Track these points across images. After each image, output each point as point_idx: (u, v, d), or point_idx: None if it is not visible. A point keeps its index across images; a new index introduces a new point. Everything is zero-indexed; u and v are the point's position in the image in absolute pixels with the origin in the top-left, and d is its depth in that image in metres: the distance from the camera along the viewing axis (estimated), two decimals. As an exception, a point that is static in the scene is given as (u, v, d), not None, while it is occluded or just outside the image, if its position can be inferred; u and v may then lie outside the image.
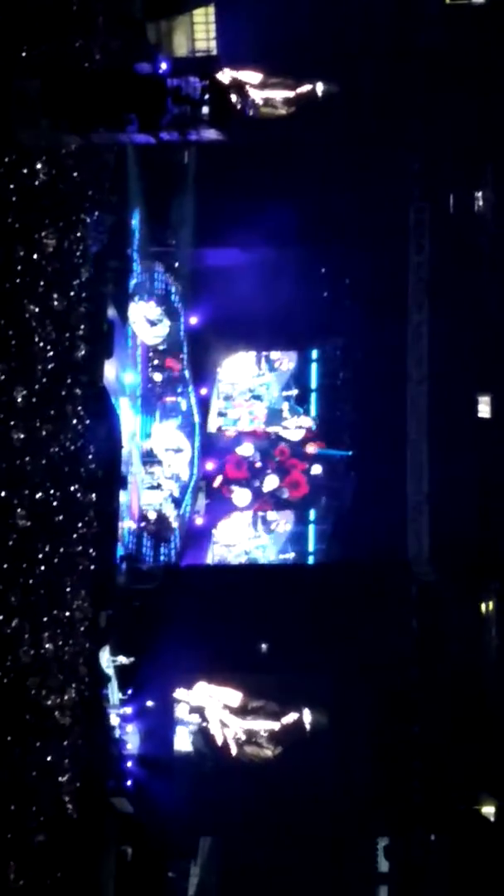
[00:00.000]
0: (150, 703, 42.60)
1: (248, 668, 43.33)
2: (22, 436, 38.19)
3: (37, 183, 38.61)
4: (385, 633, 42.38)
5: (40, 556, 39.10)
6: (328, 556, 47.90)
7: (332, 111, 46.18)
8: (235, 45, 46.69)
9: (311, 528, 48.83)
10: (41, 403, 39.13)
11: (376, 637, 42.28)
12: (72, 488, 40.71)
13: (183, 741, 43.30)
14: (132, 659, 42.62)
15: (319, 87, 46.48)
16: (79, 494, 41.03)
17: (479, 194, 45.84)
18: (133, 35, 44.08)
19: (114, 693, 42.17)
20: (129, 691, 42.43)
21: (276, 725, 42.92)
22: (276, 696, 43.13)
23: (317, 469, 48.59)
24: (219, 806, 42.71)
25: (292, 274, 46.68)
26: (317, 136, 46.03)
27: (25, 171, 38.04)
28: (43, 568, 39.19)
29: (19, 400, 38.09)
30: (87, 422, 41.36)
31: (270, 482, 48.80)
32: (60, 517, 40.06)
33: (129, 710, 42.29)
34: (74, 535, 40.86)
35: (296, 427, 49.15)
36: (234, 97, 44.43)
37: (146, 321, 47.98)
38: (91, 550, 41.57)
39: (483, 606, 43.62)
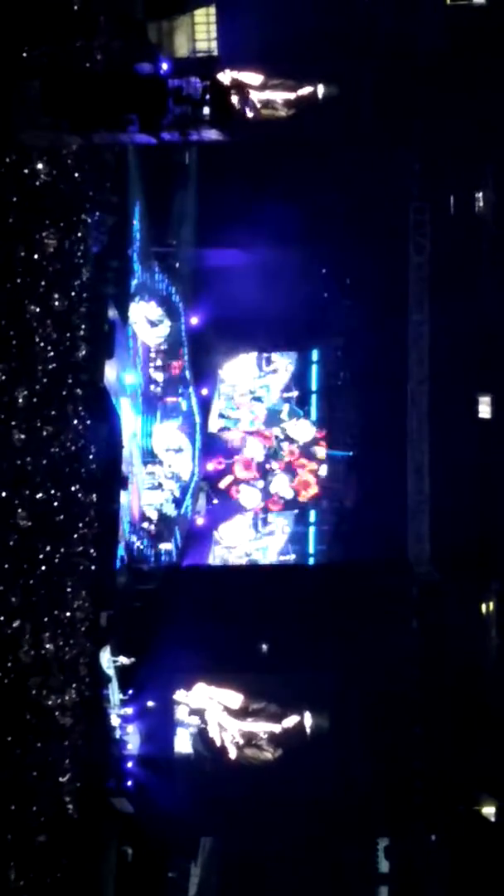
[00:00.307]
0: (150, 704, 42.60)
1: (248, 669, 43.33)
2: (23, 436, 38.17)
3: (38, 183, 38.61)
4: (386, 633, 42.41)
5: (41, 556, 39.07)
6: (329, 556, 47.93)
7: (332, 111, 46.14)
8: (236, 46, 46.67)
9: (312, 529, 48.86)
10: (42, 404, 39.11)
11: (377, 637, 42.31)
12: (72, 488, 40.69)
13: (183, 742, 43.29)
14: (133, 659, 42.61)
15: (320, 90, 46.49)
16: (79, 495, 41.02)
17: (480, 194, 45.84)
18: (134, 35, 44.06)
19: (114, 693, 42.15)
20: (130, 692, 42.42)
21: (276, 728, 42.93)
22: (276, 697, 43.13)
23: (322, 470, 48.68)
24: (219, 806, 42.72)
25: (293, 274, 46.71)
26: (317, 136, 46.01)
27: (26, 171, 38.04)
28: (44, 568, 39.16)
29: (20, 400, 38.08)
30: (88, 422, 41.35)
31: (279, 483, 48.88)
32: (61, 517, 40.04)
33: (129, 710, 42.29)
34: (75, 536, 40.85)
35: (297, 431, 49.28)
36: (234, 98, 44.45)
37: (147, 321, 48.00)
38: (92, 551, 41.56)
39: (484, 606, 43.63)
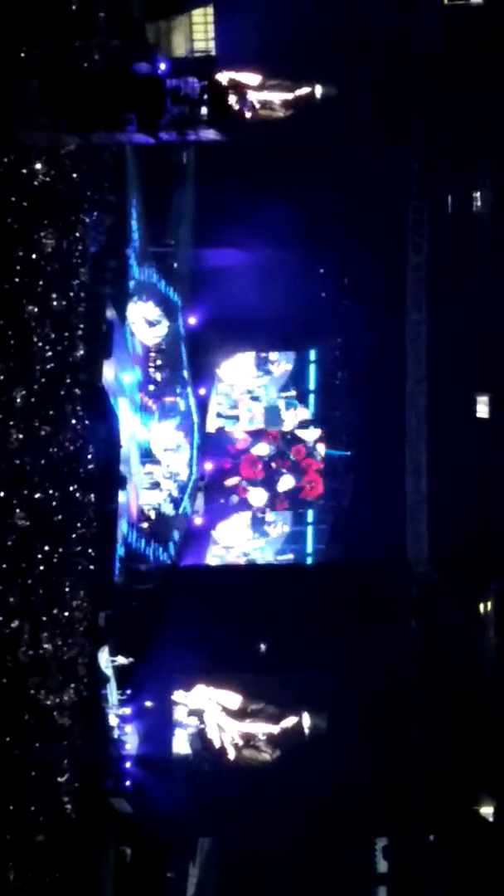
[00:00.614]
0: (148, 704, 42.58)
1: (247, 669, 43.31)
2: (21, 436, 38.19)
3: (36, 183, 38.64)
4: (385, 633, 42.39)
5: (39, 556, 39.10)
6: (328, 556, 47.90)
7: (330, 111, 46.12)
8: (234, 46, 46.61)
9: (310, 529, 48.84)
10: (40, 403, 39.15)
11: (376, 637, 42.29)
12: (71, 488, 40.71)
13: (182, 743, 43.29)
14: (131, 659, 42.59)
15: (318, 90, 46.47)
16: (78, 494, 41.03)
17: (478, 194, 45.82)
18: (132, 35, 44.02)
19: (113, 693, 42.13)
20: (128, 692, 42.39)
21: (275, 728, 42.92)
22: (275, 697, 43.12)
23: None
24: (217, 806, 42.70)
25: (291, 274, 46.68)
26: (315, 136, 45.98)
27: (25, 171, 38.07)
28: (42, 568, 39.19)
29: (18, 400, 38.11)
30: (86, 422, 41.35)
31: (286, 482, 48.92)
32: (59, 517, 40.07)
33: (127, 710, 42.26)
34: (73, 536, 40.85)
35: (296, 421, 49.30)
36: (232, 98, 44.45)
37: (145, 321, 47.97)
38: (90, 551, 41.56)
39: (482, 606, 43.61)
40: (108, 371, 42.67)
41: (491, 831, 42.58)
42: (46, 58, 38.02)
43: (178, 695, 42.98)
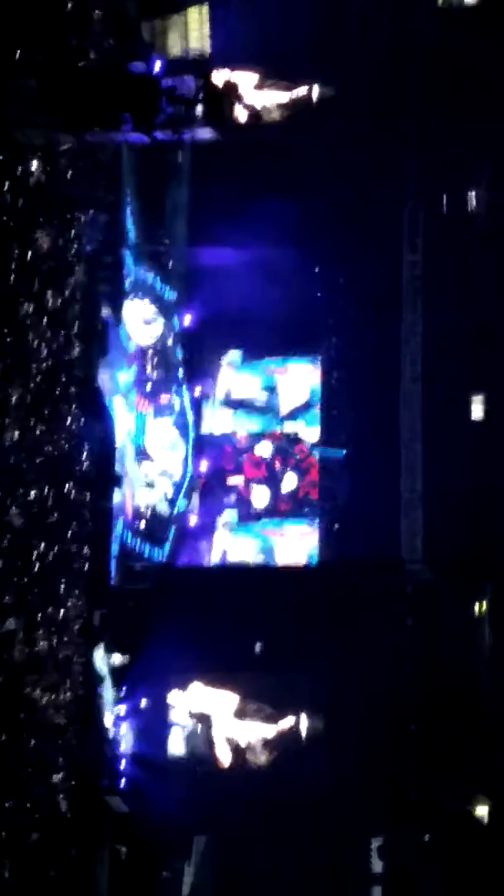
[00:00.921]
0: (144, 703, 42.58)
1: (242, 668, 43.29)
2: (16, 434, 38.22)
3: (31, 182, 38.67)
4: (379, 632, 42.37)
5: (34, 554, 39.12)
6: (322, 555, 47.83)
7: (326, 111, 46.14)
8: (229, 45, 46.58)
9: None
10: (35, 402, 39.20)
11: (371, 636, 42.28)
12: (66, 487, 40.73)
13: (177, 742, 43.27)
14: (126, 658, 42.60)
15: (315, 91, 46.51)
16: (73, 493, 41.07)
17: (473, 194, 45.82)
18: (127, 34, 44.06)
19: (108, 692, 42.14)
20: (124, 690, 42.39)
21: (271, 730, 42.92)
22: (270, 696, 43.11)
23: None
24: (213, 805, 42.67)
25: (287, 273, 46.62)
26: (311, 135, 45.98)
27: (20, 169, 38.10)
28: (37, 567, 39.20)
29: (13, 399, 38.13)
30: (82, 421, 41.39)
31: (289, 482, 48.89)
32: (55, 516, 40.10)
33: (123, 709, 42.26)
34: (69, 534, 40.89)
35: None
36: (228, 98, 44.49)
37: (141, 320, 47.97)
38: (85, 549, 41.60)
39: (478, 605, 43.60)
40: (104, 370, 42.70)
41: (486, 831, 42.54)
42: (42, 56, 38.07)
43: (173, 694, 42.96)
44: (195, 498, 48.10)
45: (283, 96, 46.32)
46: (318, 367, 48.47)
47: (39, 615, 39.11)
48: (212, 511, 48.45)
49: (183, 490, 47.47)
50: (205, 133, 40.47)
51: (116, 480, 43.61)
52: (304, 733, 43.03)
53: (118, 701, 42.24)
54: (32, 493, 38.77)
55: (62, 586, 40.33)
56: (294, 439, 49.16)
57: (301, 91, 46.42)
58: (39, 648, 38.96)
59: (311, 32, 45.74)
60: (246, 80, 46.00)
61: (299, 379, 49.39)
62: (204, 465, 48.54)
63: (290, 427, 49.27)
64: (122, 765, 41.96)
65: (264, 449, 49.22)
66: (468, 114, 44.78)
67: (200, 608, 43.33)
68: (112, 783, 41.72)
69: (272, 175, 45.29)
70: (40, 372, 39.27)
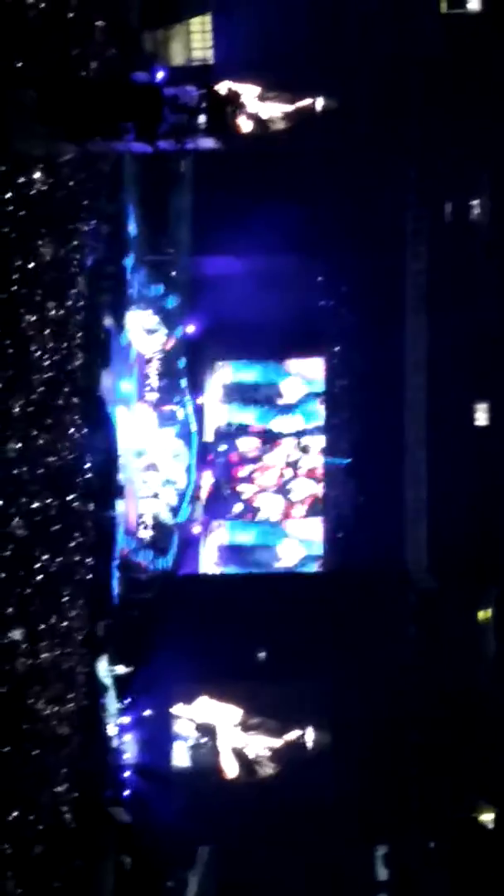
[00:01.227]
0: (147, 713, 42.55)
1: (246, 678, 43.27)
2: (19, 445, 38.17)
3: (34, 192, 38.59)
4: (384, 640, 42.35)
5: (38, 565, 39.07)
6: (327, 564, 47.83)
7: (329, 121, 46.16)
8: (232, 55, 46.67)
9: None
10: (38, 412, 39.12)
11: (375, 645, 42.25)
12: (69, 497, 40.69)
13: (181, 753, 43.26)
14: (130, 669, 42.57)
15: (318, 102, 46.53)
16: (76, 504, 41.02)
17: (476, 202, 45.80)
18: (130, 44, 44.04)
19: (112, 703, 42.12)
20: (127, 701, 42.37)
21: (275, 742, 42.92)
22: (274, 706, 43.09)
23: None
24: (217, 815, 42.64)
25: (290, 282, 46.66)
26: (314, 144, 46.00)
27: (22, 180, 38.02)
28: (40, 577, 39.15)
29: (16, 409, 38.09)
30: (85, 431, 41.35)
31: (300, 490, 48.91)
32: (58, 527, 40.04)
33: (127, 719, 42.24)
34: (72, 545, 40.84)
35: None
36: (230, 108, 44.51)
37: (143, 330, 47.94)
38: (88, 560, 41.56)
39: (482, 614, 43.57)
40: (107, 380, 42.69)
41: (490, 838, 42.51)
42: (44, 67, 38.00)
43: (177, 706, 42.94)
44: (199, 507, 48.15)
45: (287, 107, 46.34)
46: (316, 361, 48.83)
47: (43, 626, 39.06)
48: (217, 518, 48.60)
49: (186, 499, 47.48)
50: (207, 142, 40.36)
51: (119, 490, 43.58)
52: (308, 744, 43.00)
53: (122, 711, 42.21)
54: (35, 503, 38.71)
55: (65, 597, 40.29)
56: (303, 449, 49.28)
57: (304, 101, 46.45)
58: (43, 659, 38.90)
59: (313, 41, 45.77)
60: (249, 91, 46.05)
61: (297, 372, 49.60)
62: (208, 475, 48.61)
63: (285, 421, 49.43)
64: (126, 775, 41.91)
65: (275, 457, 49.31)
66: (471, 121, 44.80)
67: (204, 618, 43.32)
68: (116, 794, 41.70)
69: (275, 184, 45.34)
70: (43, 382, 39.22)
